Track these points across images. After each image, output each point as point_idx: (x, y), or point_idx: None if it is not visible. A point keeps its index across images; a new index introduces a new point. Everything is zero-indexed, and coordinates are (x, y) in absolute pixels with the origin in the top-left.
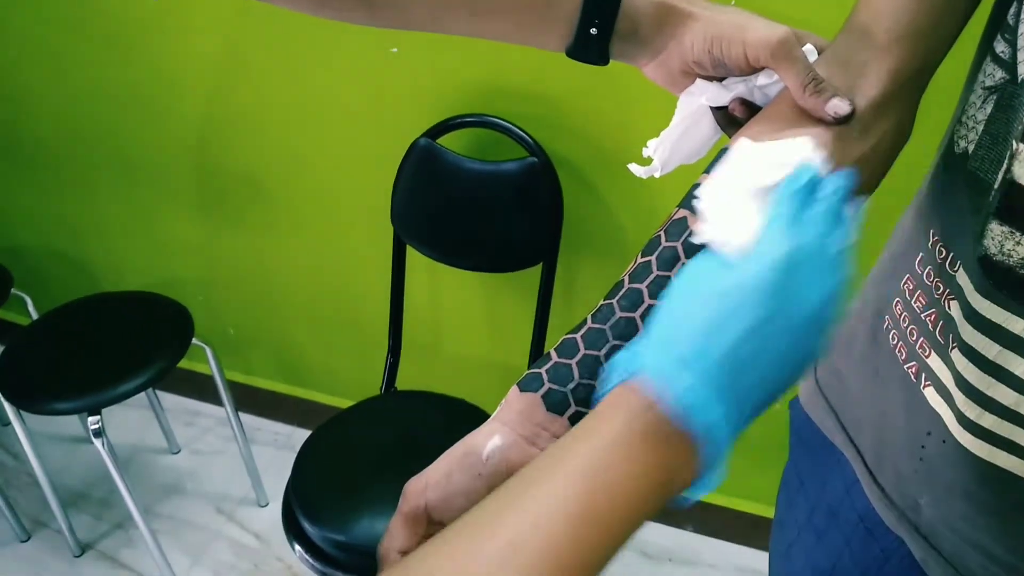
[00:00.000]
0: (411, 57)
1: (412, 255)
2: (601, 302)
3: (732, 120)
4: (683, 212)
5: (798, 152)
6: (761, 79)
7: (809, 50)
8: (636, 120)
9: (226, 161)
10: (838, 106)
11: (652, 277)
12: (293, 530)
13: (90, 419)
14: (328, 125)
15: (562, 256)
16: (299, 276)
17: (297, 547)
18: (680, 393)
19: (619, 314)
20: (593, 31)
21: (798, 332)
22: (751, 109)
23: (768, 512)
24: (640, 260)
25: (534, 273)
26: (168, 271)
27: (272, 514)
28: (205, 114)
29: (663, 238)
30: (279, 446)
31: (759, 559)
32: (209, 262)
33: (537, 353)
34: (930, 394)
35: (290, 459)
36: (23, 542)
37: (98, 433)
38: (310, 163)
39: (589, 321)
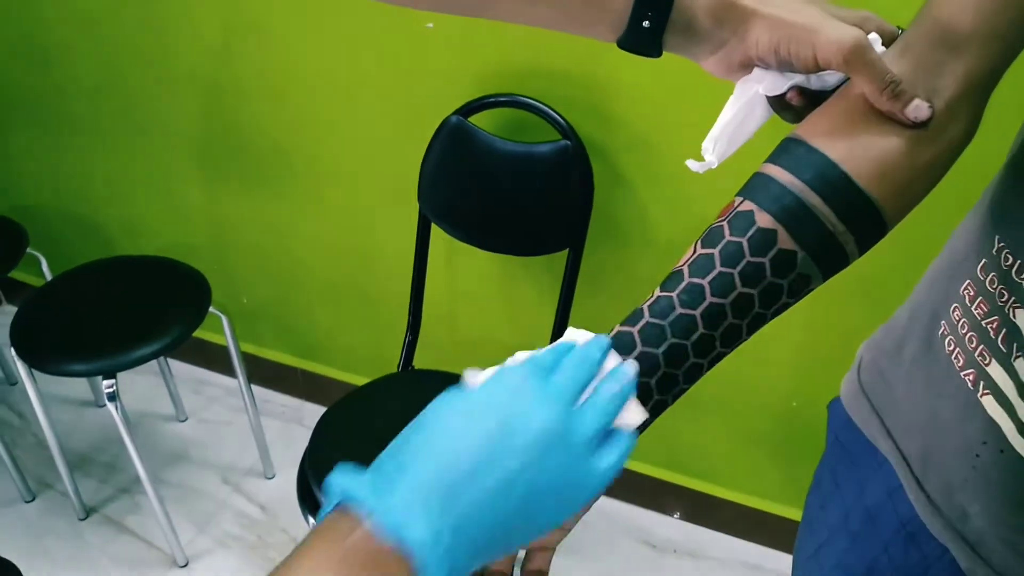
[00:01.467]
0: (446, 33)
1: (434, 234)
2: (657, 293)
3: (785, 104)
4: (749, 204)
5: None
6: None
7: (874, 39)
8: (674, 107)
9: (250, 129)
10: (919, 108)
11: (715, 273)
12: (308, 502)
13: (105, 382)
14: (358, 97)
15: (587, 243)
16: (318, 248)
17: (311, 519)
18: (383, 511)
19: (679, 310)
20: (646, 24)
21: (522, 457)
22: (807, 96)
23: (776, 509)
24: (701, 251)
25: (556, 259)
26: (184, 236)
27: (278, 486)
28: (231, 81)
29: (726, 231)
30: (286, 419)
31: (765, 556)
32: (226, 230)
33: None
34: (988, 403)
35: (297, 432)
36: (28, 502)
37: (112, 397)
38: (337, 135)
39: (647, 314)
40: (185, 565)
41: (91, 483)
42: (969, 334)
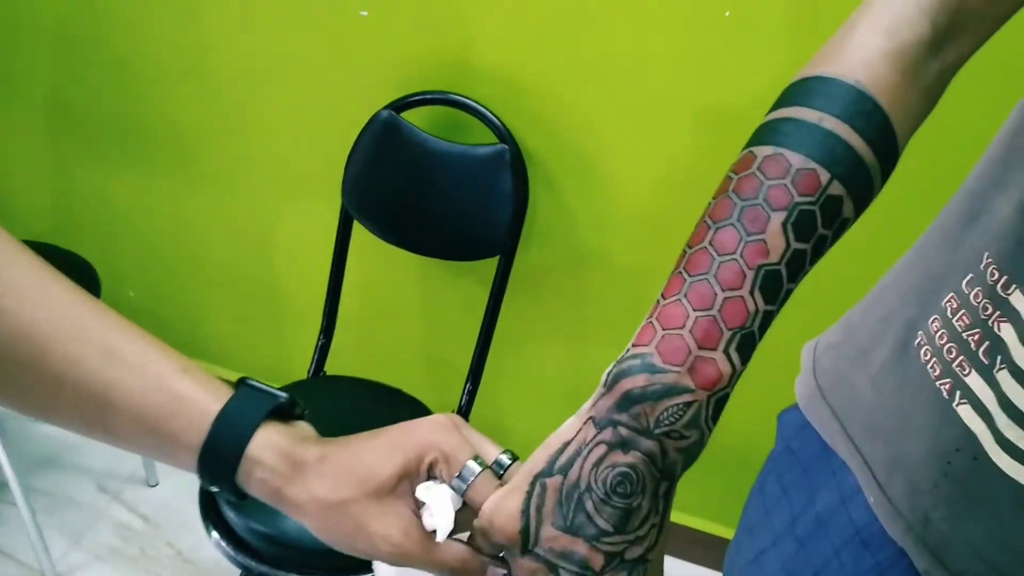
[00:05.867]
0: (382, 23)
1: (354, 231)
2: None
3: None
4: (840, 188)
5: None
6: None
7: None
8: (610, 118)
9: (151, 104)
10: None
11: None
12: (211, 517)
13: None
14: (280, 81)
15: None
16: (223, 241)
17: (215, 534)
18: None
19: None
20: (214, 489)
21: None
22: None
23: (688, 522)
24: (796, 245)
25: (482, 265)
26: (68, 220)
27: (162, 495)
28: (135, 51)
29: (819, 221)
30: None
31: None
32: (117, 214)
33: (483, 350)
34: (965, 412)
35: None
36: None
37: None
38: (254, 119)
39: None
40: None
41: None
42: (948, 345)
